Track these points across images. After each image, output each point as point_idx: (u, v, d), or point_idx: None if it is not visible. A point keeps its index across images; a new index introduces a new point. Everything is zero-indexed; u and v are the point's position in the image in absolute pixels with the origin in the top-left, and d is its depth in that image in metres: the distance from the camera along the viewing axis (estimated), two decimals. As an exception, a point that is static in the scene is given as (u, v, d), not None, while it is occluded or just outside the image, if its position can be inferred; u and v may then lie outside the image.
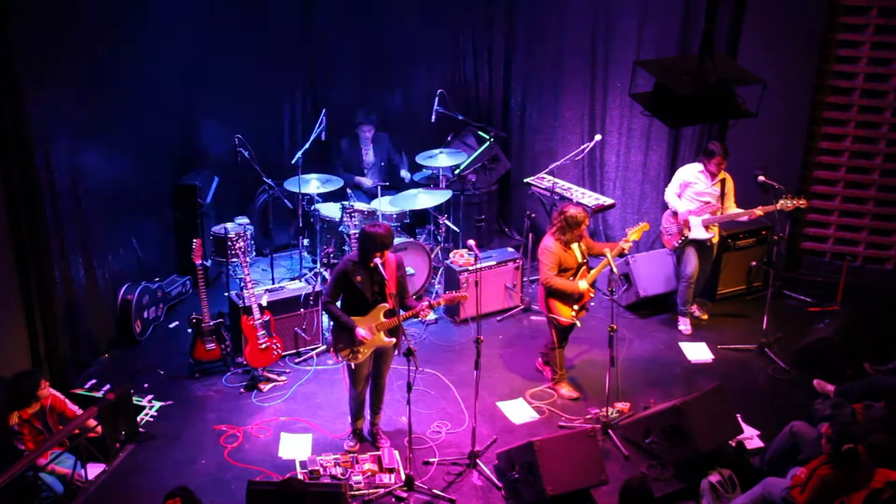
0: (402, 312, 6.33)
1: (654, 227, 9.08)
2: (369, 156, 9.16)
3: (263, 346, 7.36)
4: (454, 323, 8.41)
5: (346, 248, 8.14)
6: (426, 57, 9.86)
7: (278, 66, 9.39)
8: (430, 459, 6.58)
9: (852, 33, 8.53)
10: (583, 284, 7.00)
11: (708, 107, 6.01)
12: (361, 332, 6.29)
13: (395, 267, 6.33)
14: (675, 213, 8.01)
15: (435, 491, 6.25)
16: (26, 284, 6.87)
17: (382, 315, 6.36)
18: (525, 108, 9.79)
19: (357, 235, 6.44)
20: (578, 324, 7.11)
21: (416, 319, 7.43)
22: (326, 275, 8.27)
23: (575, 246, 7.01)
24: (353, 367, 6.48)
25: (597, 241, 7.38)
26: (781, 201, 7.65)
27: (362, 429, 6.79)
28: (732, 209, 7.94)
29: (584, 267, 7.06)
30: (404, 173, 9.20)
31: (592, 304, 8.71)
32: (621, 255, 7.29)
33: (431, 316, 8.40)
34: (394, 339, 6.42)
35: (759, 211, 7.77)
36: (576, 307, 7.08)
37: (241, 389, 7.37)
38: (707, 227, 7.95)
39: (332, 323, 6.49)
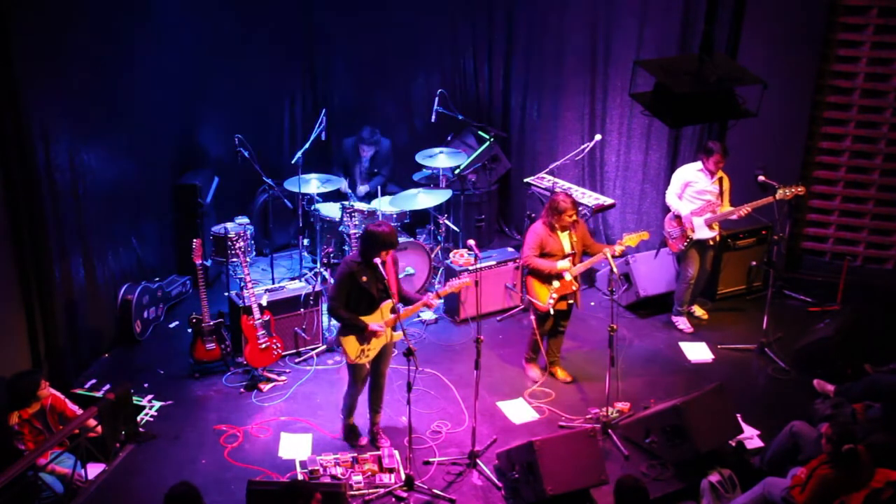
0: (407, 307, 6.41)
1: (655, 228, 9.08)
2: (365, 162, 9.17)
3: (263, 345, 7.36)
4: (454, 323, 8.41)
5: (346, 248, 8.14)
6: (426, 57, 9.85)
7: (278, 66, 9.39)
8: (430, 459, 6.58)
9: (852, 33, 8.53)
10: (562, 263, 7.05)
11: (708, 107, 6.01)
12: (375, 325, 6.34)
13: (393, 262, 6.37)
14: (676, 217, 8.00)
15: (435, 491, 6.25)
16: (26, 284, 6.86)
17: (390, 311, 6.40)
18: (525, 108, 9.79)
19: (360, 235, 6.44)
20: (552, 311, 7.17)
21: (422, 312, 7.60)
22: (326, 275, 8.28)
23: (565, 236, 7.09)
24: (356, 366, 6.50)
25: (597, 242, 7.39)
26: (780, 192, 7.64)
27: (356, 425, 6.80)
28: (727, 208, 7.94)
29: (569, 258, 7.13)
30: (361, 189, 9.13)
31: (593, 303, 8.75)
32: (612, 256, 7.30)
33: (431, 316, 8.41)
34: (401, 333, 6.44)
35: (747, 208, 7.76)
36: (555, 295, 7.13)
37: (241, 389, 7.37)
38: (710, 226, 7.95)
39: (337, 325, 6.48)
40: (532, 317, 7.35)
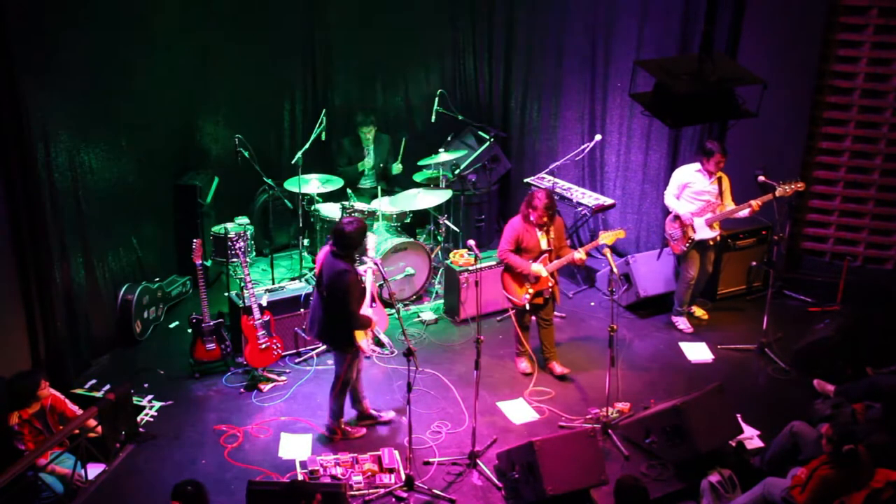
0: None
1: (656, 228, 9.09)
2: (370, 156, 9.16)
3: (263, 346, 7.36)
4: (454, 323, 8.41)
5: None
6: (426, 57, 9.86)
7: (278, 66, 9.40)
8: (430, 459, 6.58)
9: (852, 33, 8.53)
10: (536, 267, 7.15)
11: (708, 107, 6.01)
12: (373, 315, 6.54)
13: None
14: (676, 218, 7.99)
15: (435, 491, 6.25)
16: (26, 284, 6.86)
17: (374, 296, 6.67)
18: (525, 108, 9.79)
19: (341, 239, 6.35)
20: (527, 306, 7.27)
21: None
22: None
23: (542, 232, 7.18)
24: (355, 359, 6.56)
25: (567, 247, 7.42)
26: (780, 188, 7.64)
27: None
28: (731, 206, 7.94)
29: (546, 255, 7.20)
30: (396, 167, 9.17)
31: (593, 303, 8.75)
32: (582, 257, 7.31)
33: (431, 316, 8.42)
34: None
35: (755, 203, 7.76)
36: (531, 290, 7.23)
37: (241, 389, 7.37)
38: (711, 226, 7.95)
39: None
40: (510, 312, 7.45)
